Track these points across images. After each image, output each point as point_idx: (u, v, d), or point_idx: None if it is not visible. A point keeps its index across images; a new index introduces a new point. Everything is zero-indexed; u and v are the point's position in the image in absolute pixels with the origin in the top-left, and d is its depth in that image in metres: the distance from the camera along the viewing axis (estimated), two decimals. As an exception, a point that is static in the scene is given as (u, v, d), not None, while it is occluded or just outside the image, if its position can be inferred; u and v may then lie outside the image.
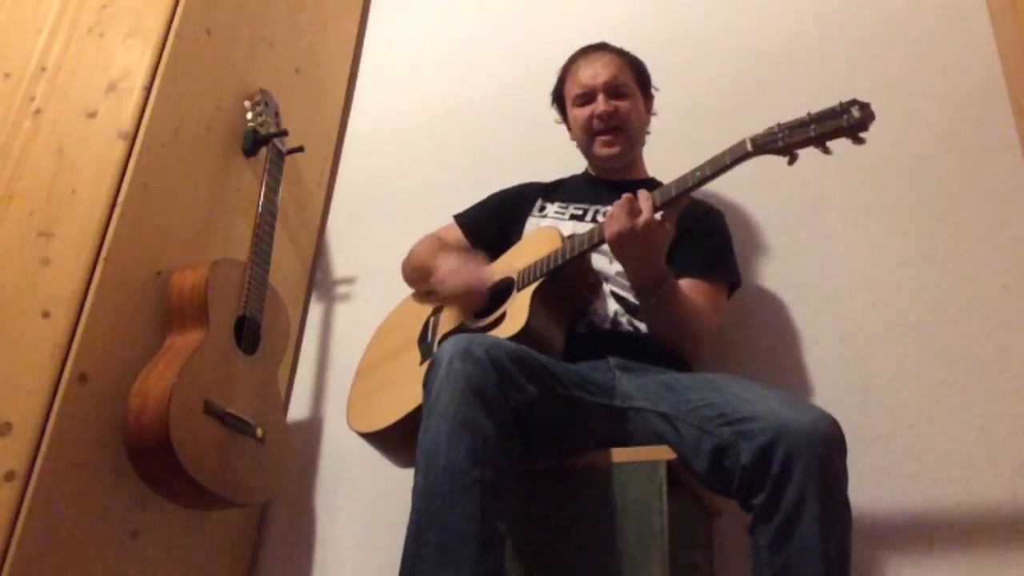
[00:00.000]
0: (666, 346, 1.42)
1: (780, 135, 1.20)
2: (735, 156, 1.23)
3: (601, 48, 1.68)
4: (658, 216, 1.29)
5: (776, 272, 1.69)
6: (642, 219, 1.27)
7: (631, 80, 1.64)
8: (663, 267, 1.33)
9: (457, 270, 1.50)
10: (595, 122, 1.61)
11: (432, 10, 2.46)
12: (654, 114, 1.72)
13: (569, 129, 1.73)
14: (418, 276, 1.66)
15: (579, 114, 1.64)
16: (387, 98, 2.37)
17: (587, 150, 1.67)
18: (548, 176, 1.77)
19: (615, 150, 1.62)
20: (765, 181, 1.72)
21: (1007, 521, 1.36)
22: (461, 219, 1.73)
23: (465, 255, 1.57)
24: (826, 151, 1.19)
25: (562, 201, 1.64)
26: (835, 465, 1.07)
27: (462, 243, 1.70)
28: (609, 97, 1.61)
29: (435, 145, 2.21)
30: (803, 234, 1.70)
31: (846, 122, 1.15)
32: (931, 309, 1.54)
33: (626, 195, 1.30)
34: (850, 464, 1.10)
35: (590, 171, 1.73)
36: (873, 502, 1.43)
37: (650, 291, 1.34)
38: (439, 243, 1.66)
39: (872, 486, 1.44)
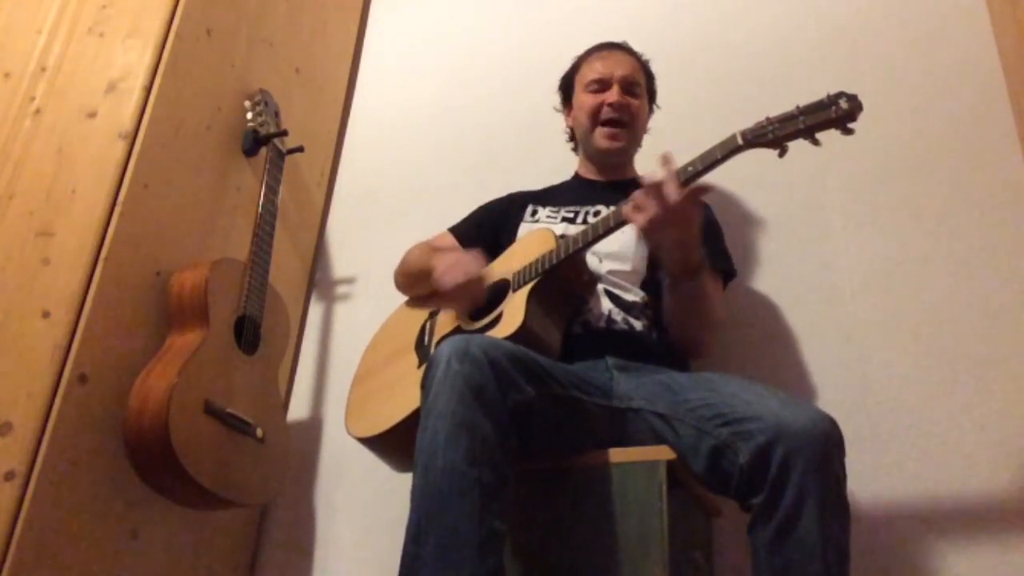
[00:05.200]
0: (687, 335, 1.41)
1: (770, 128, 1.21)
2: (726, 150, 1.23)
3: (622, 47, 1.72)
4: None
5: (776, 272, 1.69)
6: (672, 198, 1.21)
7: (644, 84, 1.69)
8: (701, 248, 1.30)
9: (455, 265, 1.48)
10: (604, 109, 1.63)
11: (432, 10, 2.46)
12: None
13: (567, 117, 1.74)
14: (413, 280, 1.66)
15: (589, 99, 1.65)
16: (387, 98, 2.37)
17: (587, 137, 1.67)
18: (546, 177, 1.77)
19: (618, 144, 1.63)
20: (765, 181, 1.73)
21: (1007, 521, 1.36)
22: (456, 230, 1.74)
23: (461, 251, 1.57)
24: (815, 143, 1.20)
25: (553, 206, 1.64)
26: (834, 465, 1.07)
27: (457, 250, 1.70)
28: (623, 91, 1.63)
29: (435, 145, 2.21)
30: (803, 234, 1.70)
31: (834, 113, 1.16)
32: (931, 309, 1.54)
33: (647, 182, 1.24)
34: (850, 464, 1.10)
35: (579, 174, 1.74)
36: (873, 502, 1.43)
37: (691, 273, 1.31)
38: (432, 248, 1.67)
39: (872, 486, 1.44)
